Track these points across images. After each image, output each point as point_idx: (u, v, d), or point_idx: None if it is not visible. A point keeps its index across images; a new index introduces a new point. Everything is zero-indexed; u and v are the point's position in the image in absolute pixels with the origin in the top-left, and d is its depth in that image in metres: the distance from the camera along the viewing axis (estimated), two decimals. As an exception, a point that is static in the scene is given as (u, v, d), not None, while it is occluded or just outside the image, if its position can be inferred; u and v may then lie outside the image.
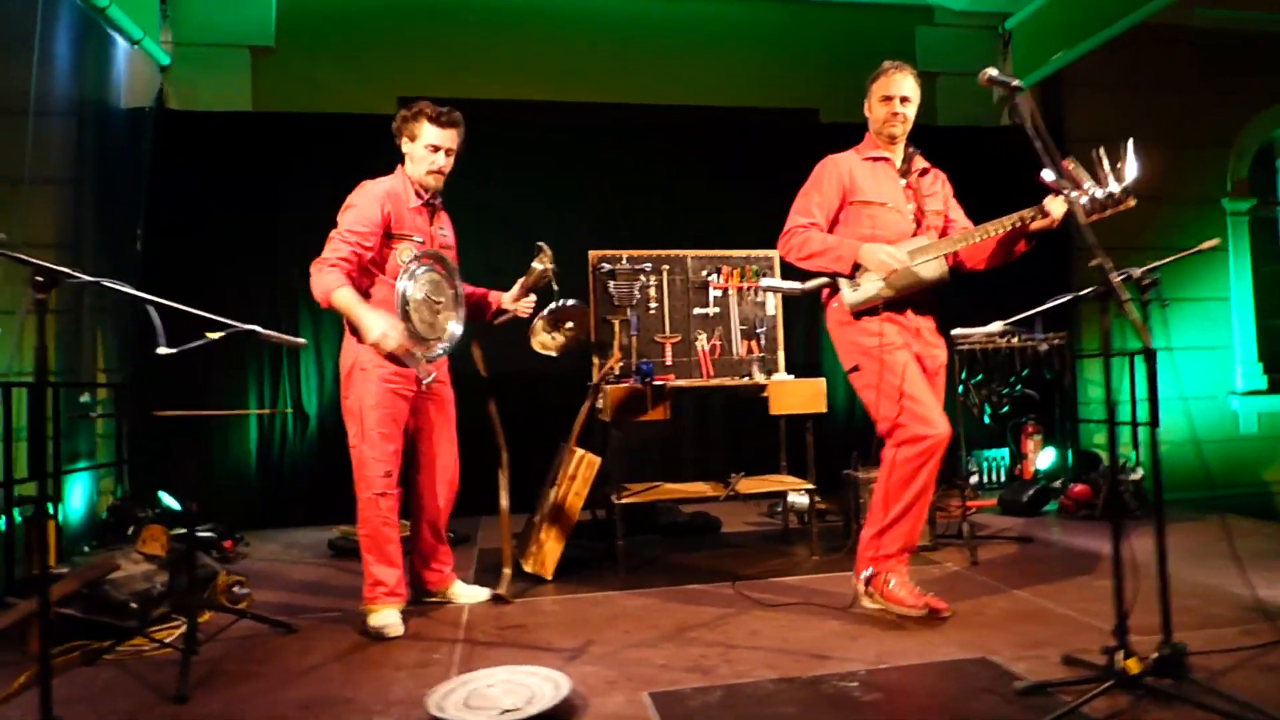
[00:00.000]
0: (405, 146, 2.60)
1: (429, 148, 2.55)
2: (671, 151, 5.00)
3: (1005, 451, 5.06)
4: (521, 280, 2.83)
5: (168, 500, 4.14)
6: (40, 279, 1.56)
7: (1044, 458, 4.96)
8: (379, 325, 2.32)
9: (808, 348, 5.05)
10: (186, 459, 4.27)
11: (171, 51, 4.63)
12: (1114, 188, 2.11)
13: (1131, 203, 2.13)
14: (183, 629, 2.44)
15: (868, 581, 2.47)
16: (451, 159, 2.61)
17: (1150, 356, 1.88)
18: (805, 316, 4.94)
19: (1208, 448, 5.38)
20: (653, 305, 3.63)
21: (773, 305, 3.72)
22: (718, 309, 3.69)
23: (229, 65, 4.73)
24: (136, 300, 1.85)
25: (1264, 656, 2.06)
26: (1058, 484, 4.48)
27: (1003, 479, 5.00)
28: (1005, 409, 4.67)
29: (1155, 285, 1.83)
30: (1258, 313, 5.67)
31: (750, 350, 3.67)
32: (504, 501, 2.98)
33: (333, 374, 4.63)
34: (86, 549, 3.71)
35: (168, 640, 2.39)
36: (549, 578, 3.07)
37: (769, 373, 3.57)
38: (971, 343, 4.14)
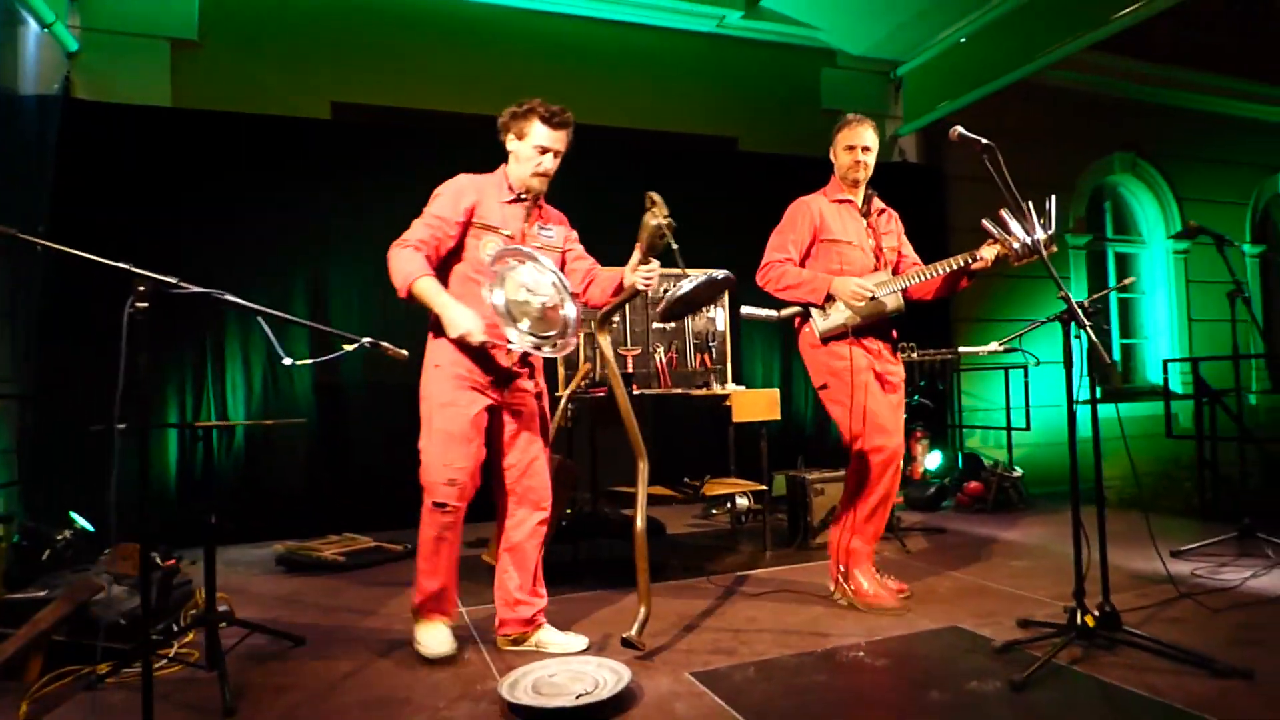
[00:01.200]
0: (511, 144, 2.42)
1: (538, 149, 2.36)
2: (597, 170, 5.20)
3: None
4: (637, 243, 2.35)
5: (81, 521, 3.82)
6: (142, 289, 1.54)
7: (931, 459, 5.59)
8: (464, 322, 2.18)
9: (731, 358, 5.41)
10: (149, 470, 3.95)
11: (79, 37, 4.29)
12: (1040, 235, 2.54)
13: (1054, 249, 2.58)
14: (176, 649, 2.38)
15: (844, 578, 2.78)
16: (558, 161, 2.42)
17: (1108, 367, 2.31)
18: (730, 330, 5.30)
19: (1057, 449, 6.26)
20: (615, 320, 3.83)
21: (722, 321, 4.03)
22: (673, 324, 3.94)
23: (146, 56, 4.44)
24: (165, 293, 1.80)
25: (1163, 612, 2.59)
26: (945, 481, 5.10)
27: (898, 479, 5.59)
28: (904, 417, 5.24)
29: (1099, 313, 2.28)
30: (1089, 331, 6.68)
31: (703, 362, 3.96)
32: (640, 523, 2.38)
33: (261, 384, 4.46)
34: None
35: (172, 655, 2.31)
36: (532, 581, 3.18)
37: (722, 383, 3.87)
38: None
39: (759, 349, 5.49)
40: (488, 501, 4.76)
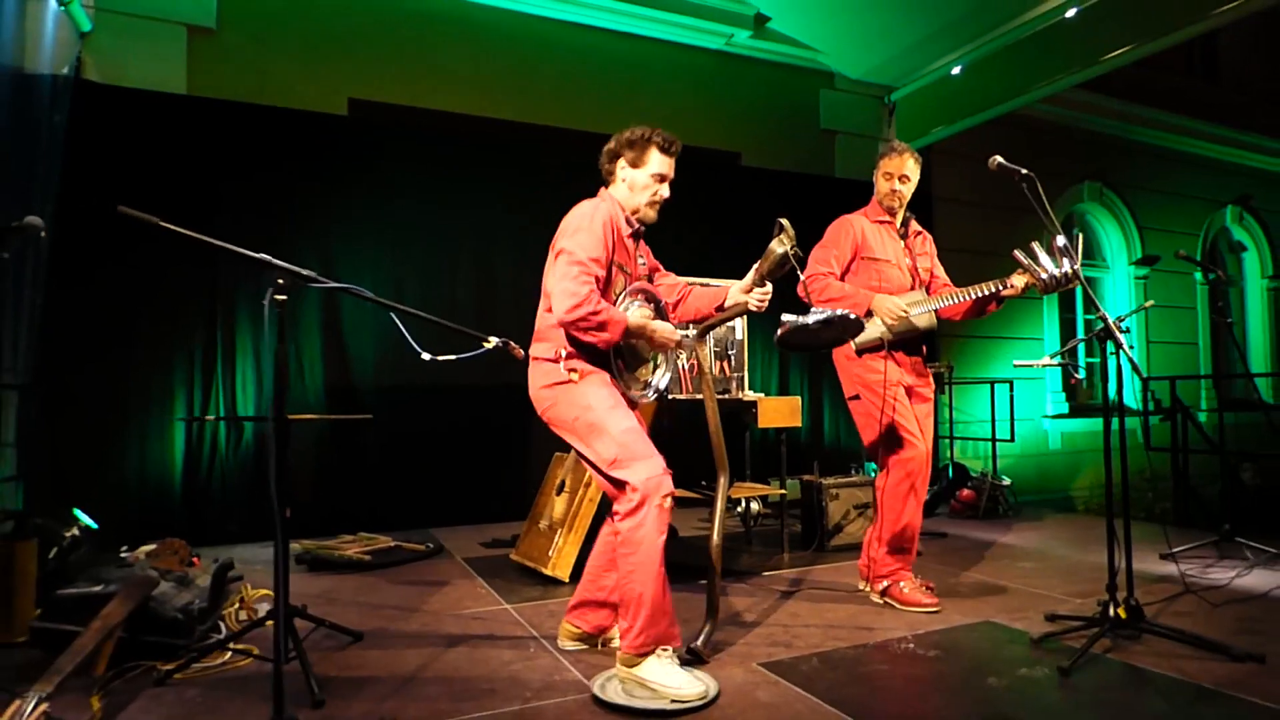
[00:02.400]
0: (623, 172, 2.35)
1: (655, 177, 2.32)
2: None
3: (883, 464, 5.89)
4: (756, 266, 2.34)
5: (85, 518, 3.72)
6: (281, 281, 1.58)
7: (916, 468, 5.82)
8: (676, 332, 2.28)
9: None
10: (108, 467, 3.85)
11: (93, 18, 4.19)
12: (1066, 269, 2.70)
13: (1078, 283, 2.74)
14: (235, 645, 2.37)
15: (884, 593, 2.93)
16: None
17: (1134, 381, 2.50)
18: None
19: (1028, 461, 6.61)
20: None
21: (741, 330, 4.16)
22: (694, 330, 4.05)
23: (161, 41, 4.36)
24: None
25: (1170, 606, 2.80)
26: (936, 489, 5.32)
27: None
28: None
29: (1127, 331, 2.48)
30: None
31: (723, 370, 4.08)
32: (716, 537, 2.42)
33: (271, 381, 4.40)
34: None
35: (239, 649, 2.30)
36: (567, 580, 3.23)
37: (741, 390, 4.00)
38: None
39: (758, 360, 5.65)
40: (507, 500, 4.79)
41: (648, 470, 2.07)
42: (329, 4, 4.71)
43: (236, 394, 4.30)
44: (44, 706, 1.74)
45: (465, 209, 4.86)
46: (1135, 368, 2.33)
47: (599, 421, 2.13)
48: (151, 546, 2.91)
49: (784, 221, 2.29)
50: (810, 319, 2.41)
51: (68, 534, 3.51)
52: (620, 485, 2.09)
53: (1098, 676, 2.16)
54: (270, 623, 2.26)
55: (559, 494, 3.48)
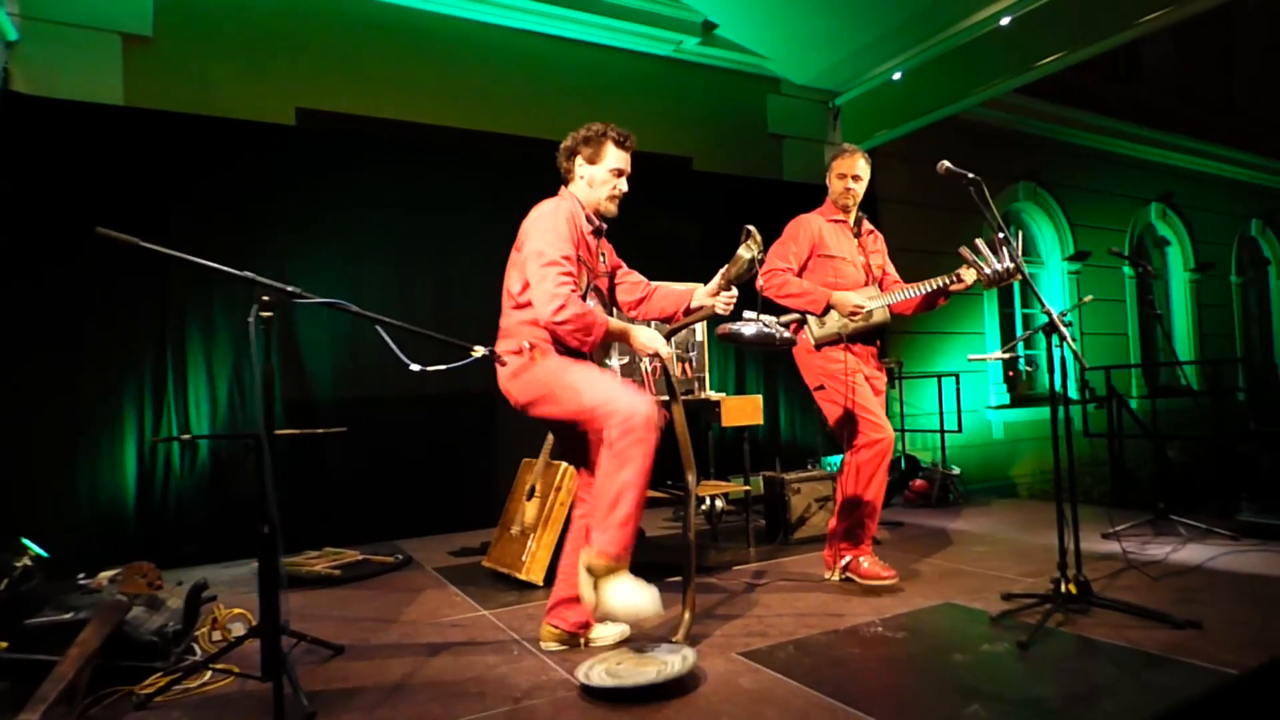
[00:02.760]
0: (581, 169, 2.43)
1: (613, 172, 2.41)
2: (558, 183, 5.33)
3: (840, 457, 6.06)
4: (723, 270, 2.43)
5: (35, 548, 3.59)
6: (266, 298, 1.59)
7: (870, 460, 6.01)
8: (659, 341, 2.36)
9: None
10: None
11: (19, 26, 4.04)
12: (1009, 264, 2.86)
13: (1020, 276, 2.91)
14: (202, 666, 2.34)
15: (845, 568, 3.06)
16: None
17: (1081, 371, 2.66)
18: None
19: (973, 451, 6.88)
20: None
21: (700, 331, 4.25)
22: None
23: (94, 50, 4.21)
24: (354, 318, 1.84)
25: (1115, 581, 2.99)
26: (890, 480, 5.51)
27: (840, 479, 5.98)
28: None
29: (1070, 325, 2.64)
30: (1000, 344, 7.37)
31: (685, 371, 4.17)
32: (691, 534, 2.53)
33: (226, 396, 4.31)
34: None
35: (220, 668, 2.28)
36: (542, 584, 3.26)
37: (703, 390, 4.09)
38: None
39: (715, 360, 5.75)
40: (472, 509, 4.79)
41: (635, 400, 2.13)
42: (271, 12, 4.63)
43: (190, 413, 4.20)
44: (26, 736, 1.71)
45: (420, 216, 4.84)
46: (1079, 359, 2.49)
47: (572, 380, 2.21)
48: (115, 571, 2.83)
49: (751, 228, 2.38)
50: (746, 331, 2.55)
51: (18, 564, 3.40)
52: (608, 422, 2.12)
53: (1054, 648, 2.30)
54: (251, 640, 2.27)
55: (529, 499, 3.51)
